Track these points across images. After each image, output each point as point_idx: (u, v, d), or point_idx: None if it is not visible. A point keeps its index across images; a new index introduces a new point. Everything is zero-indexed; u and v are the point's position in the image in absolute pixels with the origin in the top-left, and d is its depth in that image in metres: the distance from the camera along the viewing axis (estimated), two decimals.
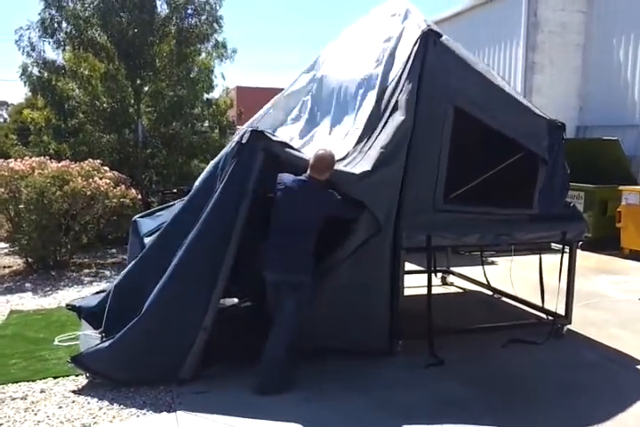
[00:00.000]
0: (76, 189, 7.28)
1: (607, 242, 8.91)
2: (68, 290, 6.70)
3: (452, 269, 7.07)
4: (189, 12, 10.65)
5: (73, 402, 3.85)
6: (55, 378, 4.20)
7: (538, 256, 5.24)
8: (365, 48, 5.09)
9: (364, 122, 4.58)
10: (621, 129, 10.59)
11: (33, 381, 4.16)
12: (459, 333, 5.20)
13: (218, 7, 10.79)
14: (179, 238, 4.14)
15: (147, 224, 5.33)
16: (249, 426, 3.55)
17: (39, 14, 9.95)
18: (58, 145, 10.47)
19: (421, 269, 5.82)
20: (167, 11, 10.62)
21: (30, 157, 8.03)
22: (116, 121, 10.59)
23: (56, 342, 4.87)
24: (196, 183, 4.57)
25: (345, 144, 4.63)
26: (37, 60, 10.22)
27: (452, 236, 4.68)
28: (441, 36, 4.57)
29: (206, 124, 11.71)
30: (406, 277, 4.64)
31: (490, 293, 6.44)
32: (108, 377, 4.08)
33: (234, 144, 4.23)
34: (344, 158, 4.42)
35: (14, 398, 3.90)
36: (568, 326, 5.19)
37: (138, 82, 10.67)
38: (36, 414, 3.69)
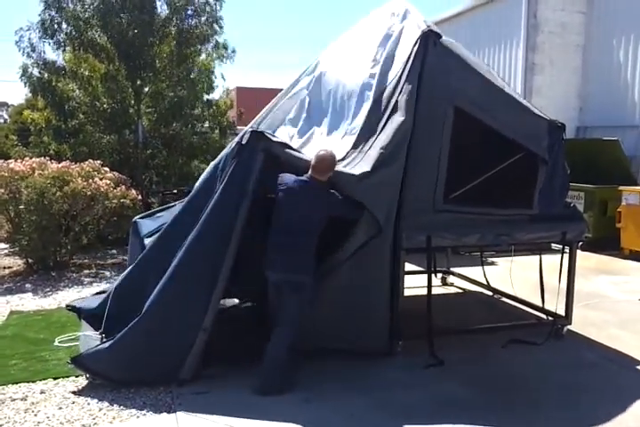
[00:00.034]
0: (76, 190, 7.28)
1: (607, 242, 8.90)
2: (68, 291, 6.70)
3: (452, 269, 7.07)
4: (189, 12, 10.66)
5: (73, 403, 3.85)
6: (55, 379, 4.20)
7: (538, 257, 5.24)
8: (364, 48, 5.10)
9: (362, 122, 4.59)
10: (621, 129, 10.59)
11: (33, 382, 4.16)
12: (459, 333, 5.20)
13: (218, 8, 10.81)
14: (179, 239, 4.14)
15: (147, 225, 5.33)
16: None
17: (39, 15, 9.97)
18: (58, 146, 10.48)
19: (421, 269, 5.82)
20: (167, 11, 10.63)
21: (30, 158, 8.02)
22: (116, 122, 10.59)
23: (56, 343, 4.87)
24: (197, 184, 4.58)
25: (343, 144, 4.63)
26: (38, 61, 10.23)
27: (452, 236, 4.68)
28: (441, 36, 4.57)
29: (206, 124, 11.71)
30: (406, 277, 4.64)
31: (490, 293, 6.44)
32: (108, 378, 4.08)
33: (234, 145, 4.24)
34: (343, 159, 4.42)
35: (14, 399, 3.90)
36: (568, 327, 5.19)
37: (138, 82, 10.67)
38: (35, 415, 3.69)
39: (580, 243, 5.36)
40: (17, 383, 4.13)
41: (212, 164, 4.54)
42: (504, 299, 6.20)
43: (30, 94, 11.11)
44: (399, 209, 4.38)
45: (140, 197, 8.43)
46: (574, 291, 5.14)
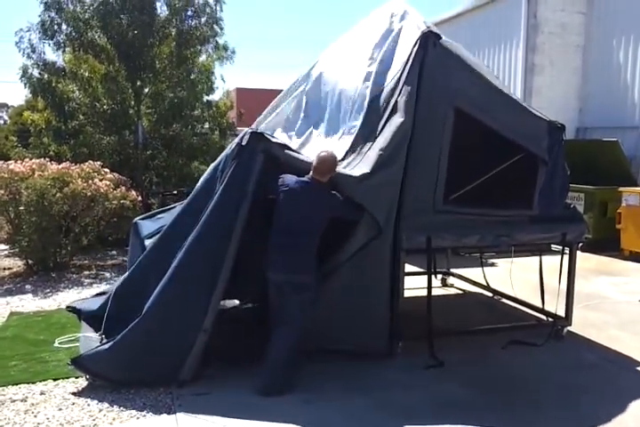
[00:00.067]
0: (76, 191, 7.28)
1: (607, 243, 8.90)
2: (68, 292, 6.70)
3: (452, 270, 7.08)
4: (189, 14, 10.67)
5: (73, 404, 3.84)
6: (55, 380, 4.20)
7: (538, 258, 5.24)
8: (362, 48, 5.10)
9: (360, 122, 4.59)
10: (621, 130, 10.59)
11: (33, 383, 4.16)
12: (459, 334, 5.21)
13: (218, 9, 10.81)
14: (179, 240, 4.15)
15: (147, 226, 5.34)
16: None
17: (39, 16, 9.98)
18: (58, 147, 10.47)
19: (421, 270, 5.82)
20: (167, 13, 10.64)
21: (30, 159, 8.02)
22: (116, 123, 10.59)
23: (56, 344, 4.87)
24: (197, 185, 4.58)
25: (341, 144, 4.64)
26: (37, 62, 10.23)
27: (452, 237, 4.68)
28: (440, 37, 4.57)
29: (206, 125, 11.71)
30: (406, 278, 4.65)
31: (490, 294, 6.44)
32: (108, 379, 4.09)
33: (234, 146, 4.24)
34: (342, 159, 4.43)
35: (14, 400, 3.90)
36: (568, 328, 5.19)
37: (138, 83, 10.68)
38: (35, 417, 3.69)
39: (580, 244, 5.36)
40: (17, 384, 4.13)
41: (213, 165, 4.54)
42: (504, 300, 6.20)
43: (30, 95, 11.11)
44: (399, 210, 4.39)
45: (139, 198, 8.43)
46: (574, 292, 5.14)
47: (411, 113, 4.37)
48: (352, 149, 4.53)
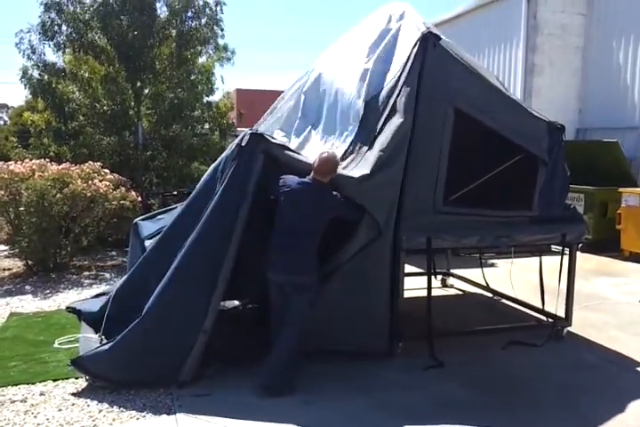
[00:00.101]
0: (76, 192, 7.28)
1: (607, 244, 8.90)
2: (67, 292, 6.70)
3: (451, 271, 7.07)
4: (189, 15, 10.67)
5: (73, 405, 3.84)
6: (55, 381, 4.20)
7: (538, 258, 5.24)
8: (359, 47, 5.10)
9: (358, 122, 4.59)
10: (621, 131, 10.60)
11: (33, 383, 4.16)
12: (458, 335, 5.21)
13: (218, 10, 10.81)
14: (179, 241, 4.15)
15: (147, 227, 5.34)
16: None
17: (39, 17, 10.00)
18: (58, 147, 10.48)
19: (421, 271, 5.82)
20: (167, 13, 10.64)
21: (30, 160, 8.03)
22: (116, 123, 10.60)
23: (56, 345, 4.87)
24: (197, 186, 4.58)
25: (339, 144, 4.64)
26: (38, 63, 10.25)
27: (452, 238, 4.68)
28: (440, 38, 4.57)
29: (206, 126, 11.72)
30: (406, 279, 4.64)
31: (490, 295, 6.44)
32: (108, 380, 4.08)
33: (234, 147, 4.25)
34: (342, 160, 4.42)
35: (14, 401, 3.90)
36: (568, 329, 5.19)
37: (138, 84, 10.69)
38: (35, 417, 3.68)
39: (580, 244, 5.35)
40: (17, 385, 4.13)
41: (213, 166, 4.54)
42: (504, 301, 6.19)
43: (30, 96, 11.12)
44: (399, 210, 4.39)
45: (139, 198, 8.43)
46: (574, 293, 5.14)
47: (410, 113, 4.37)
48: (351, 150, 4.53)
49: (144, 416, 3.69)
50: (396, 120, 4.35)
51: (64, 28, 10.12)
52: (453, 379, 4.27)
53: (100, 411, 3.75)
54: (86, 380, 4.15)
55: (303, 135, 5.12)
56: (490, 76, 5.11)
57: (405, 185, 4.40)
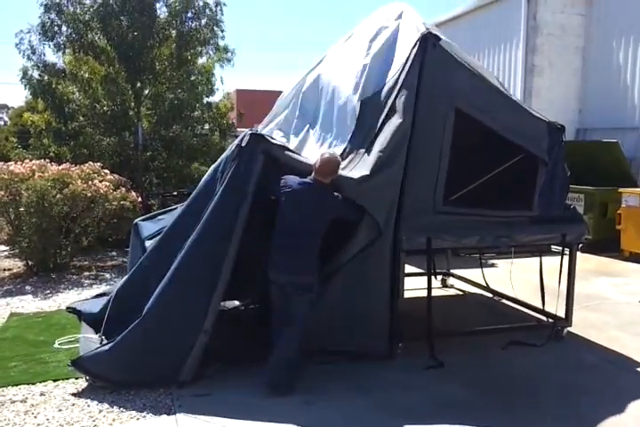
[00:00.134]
0: (76, 192, 7.28)
1: (607, 244, 8.90)
2: (68, 293, 6.70)
3: (452, 271, 7.07)
4: (189, 15, 10.67)
5: (73, 405, 3.84)
6: (55, 381, 4.20)
7: (538, 258, 5.24)
8: (357, 45, 5.10)
9: (355, 121, 4.59)
10: (621, 131, 10.60)
11: (33, 384, 4.16)
12: (459, 335, 5.21)
13: (218, 11, 10.81)
14: (179, 242, 4.15)
15: (148, 227, 5.34)
16: None
17: (39, 18, 10.01)
18: (58, 148, 10.49)
19: (421, 271, 5.82)
20: (167, 14, 10.64)
21: (30, 160, 8.03)
22: (116, 124, 10.61)
23: (56, 345, 4.87)
24: (197, 187, 4.58)
25: (336, 143, 4.64)
26: (38, 64, 10.26)
27: (452, 238, 4.68)
28: (440, 38, 4.57)
29: (206, 126, 11.73)
30: (406, 279, 4.64)
31: (490, 295, 6.44)
32: (108, 380, 4.08)
33: (234, 147, 4.25)
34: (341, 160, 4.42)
35: (14, 401, 3.90)
36: (568, 329, 5.19)
37: (138, 85, 10.70)
38: (35, 417, 3.69)
39: (580, 245, 5.35)
40: (17, 385, 4.13)
41: (213, 166, 4.55)
42: (504, 301, 6.19)
43: (30, 97, 11.13)
44: (399, 210, 4.39)
45: (139, 199, 8.43)
46: (574, 293, 5.14)
47: (410, 113, 4.37)
48: (349, 150, 4.52)
49: (144, 416, 3.69)
50: (395, 120, 4.35)
51: (64, 28, 10.14)
52: (453, 379, 4.27)
53: (101, 411, 3.75)
54: (86, 380, 4.15)
55: (301, 135, 5.12)
56: (490, 76, 5.12)
57: (405, 185, 4.40)
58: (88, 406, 3.82)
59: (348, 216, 4.26)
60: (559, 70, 11.82)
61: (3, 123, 31.95)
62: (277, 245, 4.12)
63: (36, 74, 10.29)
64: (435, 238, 4.54)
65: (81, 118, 10.69)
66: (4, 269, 7.86)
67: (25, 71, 10.18)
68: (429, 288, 4.71)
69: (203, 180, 4.57)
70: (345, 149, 4.54)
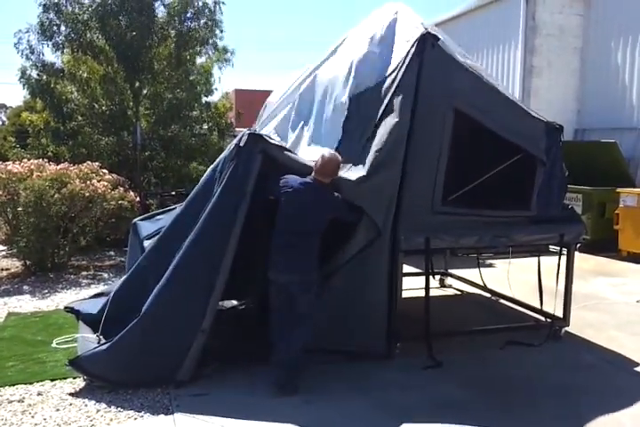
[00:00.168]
0: (74, 192, 7.28)
1: (605, 244, 8.91)
2: (65, 292, 6.70)
3: (450, 271, 7.08)
4: (188, 15, 10.66)
5: (70, 405, 3.84)
6: (53, 381, 4.19)
7: (536, 258, 5.24)
8: (355, 46, 5.10)
9: (343, 120, 4.59)
10: (619, 131, 10.61)
11: (30, 383, 4.16)
12: (457, 335, 5.21)
13: (217, 10, 10.80)
14: (178, 241, 4.15)
15: (146, 227, 5.33)
16: None
17: (38, 17, 9.98)
18: (56, 147, 10.48)
19: (419, 271, 5.83)
20: (166, 14, 10.63)
21: (29, 160, 8.03)
22: (114, 123, 10.60)
23: (54, 345, 4.86)
24: (196, 187, 4.58)
25: (330, 143, 4.64)
26: (36, 63, 10.24)
27: (450, 238, 4.68)
28: (439, 38, 4.57)
29: (205, 126, 11.72)
30: (404, 279, 4.65)
31: (488, 295, 6.44)
32: (106, 380, 4.08)
33: (232, 147, 4.25)
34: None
35: (11, 401, 3.90)
36: (566, 329, 5.19)
37: (136, 84, 10.68)
38: (33, 417, 3.68)
39: (578, 245, 5.36)
40: (14, 385, 4.13)
41: (212, 166, 4.54)
42: (502, 301, 6.20)
43: (29, 96, 11.13)
44: (397, 210, 4.39)
45: (138, 198, 8.43)
46: (572, 293, 5.15)
47: (406, 113, 4.36)
48: (343, 150, 4.50)
49: (142, 416, 3.69)
50: (391, 120, 4.34)
51: (62, 28, 10.11)
52: (451, 379, 4.27)
53: (98, 411, 3.74)
54: (84, 380, 4.15)
55: (296, 133, 5.11)
56: (488, 76, 5.11)
57: (404, 185, 4.40)
58: (85, 405, 3.82)
59: (347, 217, 4.26)
60: (558, 71, 11.83)
61: (1, 122, 31.93)
62: (277, 245, 4.12)
63: (34, 73, 10.27)
64: (433, 238, 4.54)
65: (79, 118, 10.68)
66: (2, 269, 7.85)
67: (23, 71, 10.16)
68: (427, 288, 4.72)
69: (201, 180, 4.56)
70: (337, 148, 4.52)
